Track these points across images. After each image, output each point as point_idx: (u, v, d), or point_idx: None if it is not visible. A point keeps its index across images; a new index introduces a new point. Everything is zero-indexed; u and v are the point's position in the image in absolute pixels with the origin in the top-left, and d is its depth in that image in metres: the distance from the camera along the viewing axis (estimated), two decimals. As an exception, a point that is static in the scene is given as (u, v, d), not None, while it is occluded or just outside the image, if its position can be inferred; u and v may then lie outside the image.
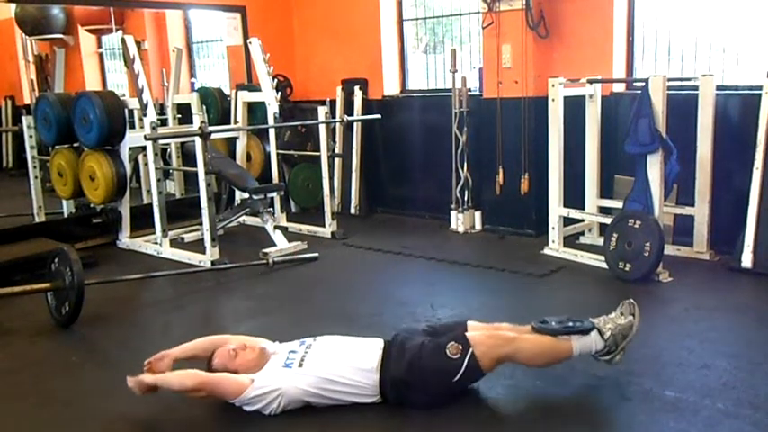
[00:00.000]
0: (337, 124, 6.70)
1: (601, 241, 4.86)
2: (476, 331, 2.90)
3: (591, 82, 4.99)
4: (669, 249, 4.68)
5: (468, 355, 2.76)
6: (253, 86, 6.61)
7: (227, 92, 6.96)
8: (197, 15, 8.14)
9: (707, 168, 4.68)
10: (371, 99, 6.83)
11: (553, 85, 4.87)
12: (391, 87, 6.83)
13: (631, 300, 3.00)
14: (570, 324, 2.90)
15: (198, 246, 5.41)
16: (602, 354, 2.91)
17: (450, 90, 5.93)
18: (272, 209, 5.94)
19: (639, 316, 2.95)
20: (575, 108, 5.10)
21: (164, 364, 2.98)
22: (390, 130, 6.73)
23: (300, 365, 2.82)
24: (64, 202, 6.23)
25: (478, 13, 5.72)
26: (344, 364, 2.81)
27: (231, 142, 6.61)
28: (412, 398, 2.80)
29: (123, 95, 6.28)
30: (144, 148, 5.89)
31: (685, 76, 5.05)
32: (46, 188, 6.32)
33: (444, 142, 6.06)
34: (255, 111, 6.61)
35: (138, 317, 4.28)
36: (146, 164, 6.04)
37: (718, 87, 4.73)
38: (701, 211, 4.73)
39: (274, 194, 6.12)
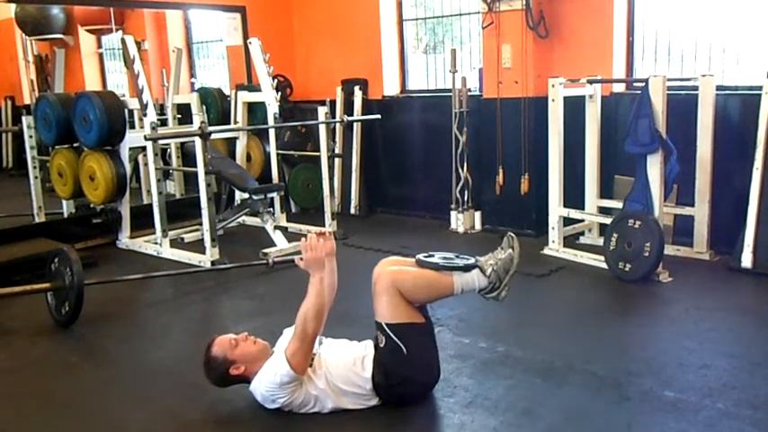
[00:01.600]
0: (337, 124, 6.70)
1: (601, 241, 4.86)
2: (374, 298, 2.85)
3: (591, 82, 4.99)
4: (669, 249, 4.68)
5: (386, 330, 2.77)
6: (253, 86, 6.61)
7: (227, 92, 6.96)
8: (197, 15, 8.14)
9: (707, 168, 4.68)
10: (371, 99, 6.83)
11: (553, 86, 4.88)
12: (391, 87, 6.83)
13: (510, 233, 2.99)
14: (455, 261, 2.90)
15: (198, 246, 5.41)
16: (487, 291, 2.90)
17: (450, 90, 5.93)
18: (272, 209, 5.94)
19: (519, 248, 2.93)
20: (575, 108, 5.10)
21: (329, 248, 2.92)
22: (390, 131, 6.73)
23: (310, 365, 2.79)
24: (64, 202, 6.23)
25: (478, 13, 5.73)
26: (351, 372, 2.80)
27: (231, 142, 6.61)
28: (404, 393, 2.81)
29: (123, 95, 6.28)
30: (144, 148, 5.89)
31: (685, 76, 5.05)
32: (46, 188, 6.33)
33: (444, 142, 6.06)
34: (255, 111, 6.61)
35: (138, 317, 4.28)
36: (146, 164, 6.04)
37: (718, 87, 4.73)
38: (700, 211, 4.73)
39: (274, 194, 6.12)
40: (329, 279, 2.96)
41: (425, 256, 2.93)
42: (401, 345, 2.76)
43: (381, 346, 2.80)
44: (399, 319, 2.78)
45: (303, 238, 2.87)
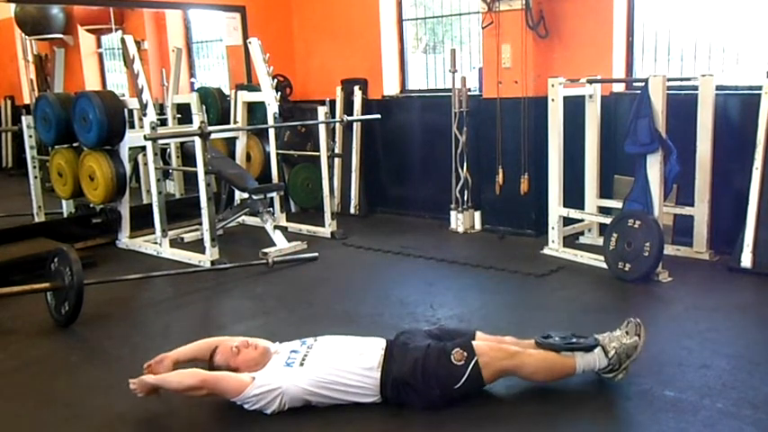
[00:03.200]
0: (337, 124, 6.70)
1: (600, 241, 4.86)
2: (481, 341, 2.89)
3: (591, 82, 4.99)
4: (669, 249, 4.69)
5: (471, 364, 2.76)
6: (253, 86, 6.61)
7: (226, 92, 6.96)
8: (197, 15, 8.12)
9: (707, 168, 4.68)
10: (371, 99, 6.83)
11: (553, 85, 4.87)
12: (391, 87, 6.83)
13: (638, 320, 2.97)
14: (574, 340, 2.90)
15: (198, 246, 5.41)
16: (605, 371, 2.90)
17: (449, 90, 5.93)
18: (271, 209, 5.94)
19: (645, 336, 2.93)
20: (575, 108, 5.10)
21: (163, 366, 2.98)
22: (390, 130, 6.73)
23: (302, 365, 2.82)
24: (63, 201, 6.22)
25: (478, 13, 5.72)
26: (346, 363, 2.81)
27: (231, 142, 6.61)
28: (412, 399, 2.80)
29: (123, 95, 6.28)
30: (144, 148, 5.89)
31: (685, 76, 5.05)
32: (45, 188, 6.31)
33: (444, 142, 6.06)
34: (255, 111, 6.61)
35: (138, 317, 4.28)
36: (145, 164, 6.04)
37: (718, 87, 4.72)
38: (700, 211, 4.73)
39: (274, 194, 6.12)
40: (188, 360, 3.04)
41: (543, 338, 2.92)
42: (463, 380, 2.75)
43: (454, 361, 2.76)
44: (485, 379, 2.79)
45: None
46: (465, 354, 2.78)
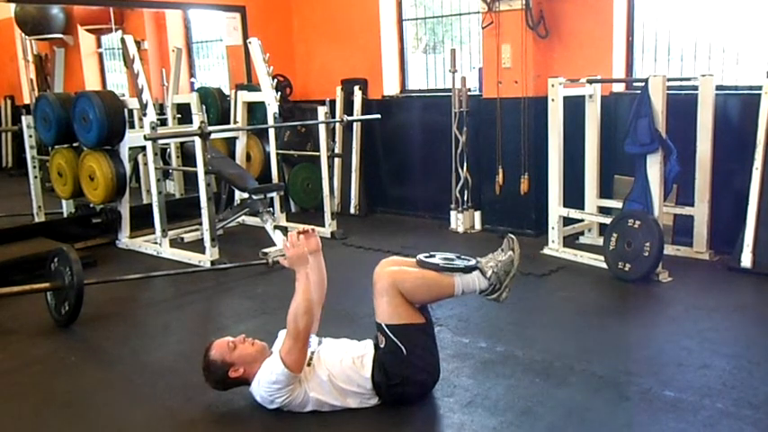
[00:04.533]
0: (337, 124, 6.70)
1: (600, 241, 4.86)
2: (375, 299, 2.86)
3: (591, 82, 4.99)
4: (669, 249, 4.69)
5: (386, 331, 2.78)
6: (253, 86, 6.61)
7: (226, 92, 6.96)
8: (197, 15, 8.12)
9: (707, 168, 4.68)
10: (371, 99, 6.83)
11: (553, 85, 4.88)
12: (391, 87, 6.83)
13: (511, 235, 2.99)
14: (456, 262, 2.90)
15: (198, 246, 5.41)
16: (488, 293, 2.90)
17: (449, 90, 5.93)
18: (271, 209, 5.94)
19: (519, 250, 2.94)
20: (575, 108, 5.10)
21: (312, 244, 3.00)
22: (390, 130, 6.73)
23: (309, 365, 2.80)
24: (63, 201, 6.22)
25: (478, 13, 5.72)
26: (349, 370, 2.80)
27: (231, 142, 6.61)
28: (403, 393, 2.81)
29: (123, 95, 6.28)
30: (144, 148, 5.89)
31: (685, 76, 5.05)
32: (45, 188, 6.32)
33: (444, 142, 6.06)
34: (255, 111, 6.61)
35: (138, 317, 4.28)
36: (145, 164, 6.04)
37: (718, 87, 4.73)
38: (700, 211, 4.73)
39: (274, 194, 6.12)
40: (316, 276, 3.02)
41: (426, 257, 2.93)
42: (401, 345, 2.77)
43: (381, 346, 2.80)
44: (399, 320, 2.79)
45: (284, 237, 2.88)
46: (378, 332, 2.81)
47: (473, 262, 2.92)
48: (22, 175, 6.78)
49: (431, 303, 2.98)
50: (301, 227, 3.06)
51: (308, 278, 2.80)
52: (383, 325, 2.80)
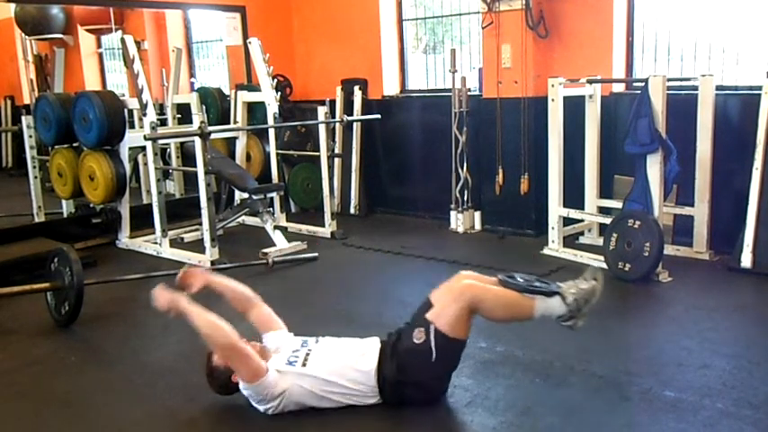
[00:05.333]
0: (337, 124, 6.70)
1: (600, 241, 4.86)
2: (435, 300, 2.84)
3: (591, 82, 4.99)
4: (669, 249, 4.69)
5: (432, 333, 2.75)
6: (253, 86, 6.61)
7: (226, 92, 6.96)
8: (197, 15, 8.12)
9: (707, 168, 4.68)
10: (371, 99, 6.83)
11: (553, 85, 4.88)
12: (391, 87, 6.83)
13: (597, 267, 2.97)
14: (536, 284, 2.89)
15: (198, 246, 5.41)
16: (565, 319, 2.86)
17: (449, 90, 5.93)
18: (271, 209, 5.94)
19: (602, 281, 2.90)
20: (575, 108, 5.10)
21: (197, 280, 3.01)
22: (390, 130, 6.74)
23: (304, 365, 2.80)
24: (63, 202, 6.22)
25: (478, 13, 5.72)
26: (346, 366, 2.80)
27: (231, 142, 6.61)
28: (408, 395, 2.80)
29: (123, 95, 6.28)
30: (144, 148, 5.89)
31: (685, 76, 5.05)
32: (45, 188, 6.32)
33: (444, 142, 6.06)
34: (255, 111, 6.61)
35: (138, 317, 4.28)
36: (145, 164, 6.04)
37: (718, 87, 4.73)
38: (700, 211, 4.73)
39: (274, 194, 6.12)
40: (228, 294, 3.12)
41: (508, 277, 2.91)
42: (434, 352, 2.75)
43: (416, 342, 2.77)
44: (452, 333, 2.76)
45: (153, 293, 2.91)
46: (422, 329, 2.77)
47: (554, 287, 2.89)
48: (22, 175, 6.78)
49: (505, 323, 2.96)
50: (179, 275, 3.09)
51: (190, 309, 2.81)
52: (435, 327, 2.76)
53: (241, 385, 2.79)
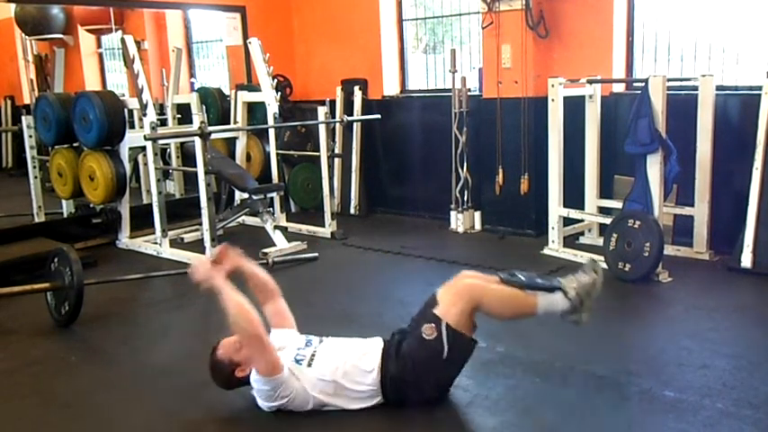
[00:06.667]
0: (337, 124, 6.70)
1: (600, 241, 4.86)
2: (442, 297, 2.85)
3: (591, 82, 4.99)
4: (669, 249, 4.68)
5: (444, 329, 2.75)
6: (253, 86, 6.61)
7: (226, 92, 6.96)
8: (197, 15, 8.13)
9: (707, 168, 4.68)
10: (371, 99, 6.83)
11: (553, 86, 4.87)
12: (391, 87, 6.83)
13: (594, 259, 2.98)
14: (538, 280, 2.90)
15: (198, 246, 5.41)
16: (569, 314, 2.87)
17: (449, 90, 5.93)
18: (271, 209, 5.94)
19: (602, 273, 2.91)
20: (575, 108, 5.10)
21: (232, 260, 3.01)
22: (390, 131, 6.74)
23: (310, 365, 2.79)
24: (63, 202, 6.22)
25: (478, 13, 5.72)
26: (351, 367, 2.79)
27: (231, 142, 6.61)
28: (411, 395, 2.80)
29: (123, 95, 6.28)
30: (144, 148, 5.89)
31: (685, 76, 5.05)
32: (45, 188, 6.32)
33: (444, 142, 6.06)
34: (255, 111, 6.61)
35: (138, 317, 4.28)
36: (145, 164, 6.04)
37: (718, 87, 4.73)
38: (700, 212, 4.73)
39: (274, 194, 6.12)
40: (254, 280, 3.13)
41: (509, 275, 2.92)
42: (446, 348, 2.74)
43: (427, 337, 2.76)
44: (462, 329, 2.77)
45: (189, 269, 2.93)
46: (433, 325, 2.77)
47: (555, 282, 2.90)
48: (22, 175, 6.78)
49: (508, 320, 2.96)
50: (216, 249, 3.11)
51: (226, 288, 2.80)
52: (447, 323, 2.76)
53: (254, 377, 2.75)
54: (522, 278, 2.89)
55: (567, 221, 5.15)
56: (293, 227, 6.16)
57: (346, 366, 2.79)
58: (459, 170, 5.98)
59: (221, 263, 2.98)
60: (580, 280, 2.87)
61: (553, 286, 2.86)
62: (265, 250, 5.22)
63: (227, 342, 2.86)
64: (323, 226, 6.01)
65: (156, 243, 5.56)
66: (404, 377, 2.76)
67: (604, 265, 4.54)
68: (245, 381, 2.82)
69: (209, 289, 2.83)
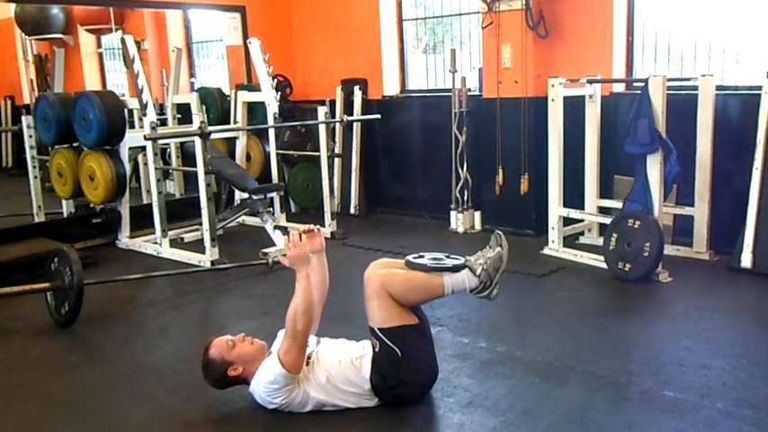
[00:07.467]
0: (337, 124, 6.70)
1: (600, 241, 4.86)
2: (367, 303, 2.84)
3: (591, 82, 4.99)
4: (669, 249, 4.69)
5: (381, 335, 2.76)
6: (253, 86, 6.61)
7: (226, 92, 6.96)
8: (197, 15, 8.13)
9: (707, 168, 4.68)
10: (371, 99, 6.83)
11: (553, 85, 4.88)
12: (391, 87, 6.83)
13: (498, 231, 2.97)
14: (445, 261, 2.89)
15: (198, 246, 5.41)
16: (479, 291, 2.87)
17: (449, 90, 5.93)
18: (271, 209, 5.94)
19: (507, 245, 2.90)
20: (575, 108, 5.10)
21: (319, 244, 3.02)
22: (390, 131, 6.73)
23: (308, 365, 2.79)
24: (63, 201, 6.23)
25: (478, 13, 5.72)
26: (347, 369, 2.79)
27: (231, 142, 6.61)
28: (401, 395, 2.81)
29: (123, 95, 6.28)
30: (144, 148, 5.89)
31: (685, 76, 5.05)
32: (45, 188, 6.32)
33: (444, 142, 6.06)
34: (255, 111, 6.61)
35: (138, 317, 4.28)
36: (145, 164, 6.04)
37: (718, 87, 4.73)
38: (700, 211, 4.73)
39: (274, 194, 6.11)
40: (318, 276, 3.01)
41: (414, 258, 2.92)
42: (395, 348, 2.75)
43: (376, 350, 2.79)
44: (391, 323, 2.77)
45: (286, 236, 2.87)
46: (373, 337, 2.80)
47: (462, 260, 2.89)
48: (22, 175, 6.78)
49: (422, 304, 2.95)
50: (306, 226, 3.05)
51: (309, 278, 2.79)
52: (376, 329, 2.79)
53: (266, 368, 2.73)
54: (427, 261, 2.88)
55: (567, 221, 5.15)
56: (293, 227, 6.15)
57: (342, 369, 2.79)
58: (460, 170, 5.98)
59: (311, 244, 2.94)
60: (487, 255, 2.87)
61: (458, 265, 2.86)
62: (265, 250, 5.22)
63: (219, 341, 2.85)
64: (323, 226, 5.98)
65: (155, 243, 5.56)
66: (386, 384, 2.78)
67: (604, 265, 4.55)
68: (239, 380, 2.82)
69: (292, 266, 2.80)
